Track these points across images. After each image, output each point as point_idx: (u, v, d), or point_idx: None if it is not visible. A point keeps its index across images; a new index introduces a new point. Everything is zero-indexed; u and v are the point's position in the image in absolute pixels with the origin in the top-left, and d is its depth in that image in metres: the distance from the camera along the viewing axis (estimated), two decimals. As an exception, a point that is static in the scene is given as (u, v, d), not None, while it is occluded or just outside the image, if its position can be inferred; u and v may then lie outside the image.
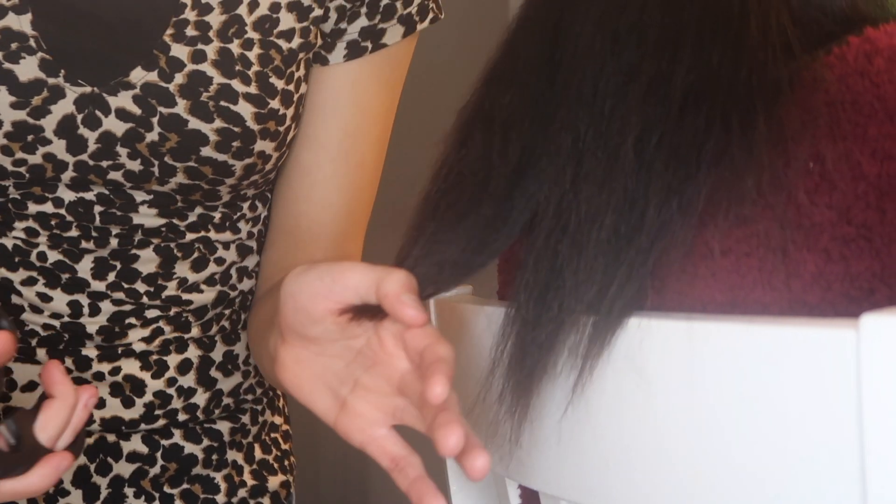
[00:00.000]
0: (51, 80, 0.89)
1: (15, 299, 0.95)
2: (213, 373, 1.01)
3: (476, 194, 0.72)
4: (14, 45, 0.89)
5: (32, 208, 0.92)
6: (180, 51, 0.91)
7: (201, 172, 0.92)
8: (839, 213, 0.61)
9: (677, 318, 0.62)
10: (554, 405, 0.67)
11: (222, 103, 0.91)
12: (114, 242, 0.94)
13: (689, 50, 0.65)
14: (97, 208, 0.93)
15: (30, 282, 0.94)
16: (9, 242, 0.94)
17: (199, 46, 0.91)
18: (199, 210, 0.96)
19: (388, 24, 0.99)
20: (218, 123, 0.91)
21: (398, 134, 1.21)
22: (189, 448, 1.00)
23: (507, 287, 0.83)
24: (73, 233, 0.94)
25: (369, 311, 0.70)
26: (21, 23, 0.89)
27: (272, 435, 1.08)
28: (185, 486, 1.00)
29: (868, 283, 0.60)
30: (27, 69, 0.89)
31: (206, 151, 0.91)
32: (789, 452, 0.56)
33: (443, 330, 0.84)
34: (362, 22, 0.98)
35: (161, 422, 0.99)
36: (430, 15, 1.01)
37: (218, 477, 1.02)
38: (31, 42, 0.89)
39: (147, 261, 0.96)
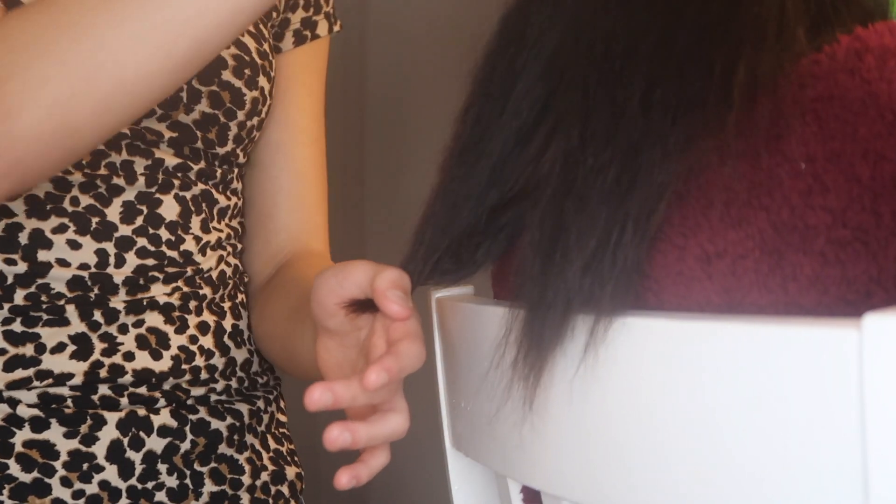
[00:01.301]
0: None
1: (42, 256, 0.97)
2: (227, 340, 1.06)
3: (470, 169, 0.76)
4: None
5: None
6: None
7: (221, 99, 1.03)
8: (834, 215, 0.60)
9: (678, 317, 0.62)
10: (561, 395, 0.67)
11: None
12: (141, 181, 1.01)
13: (692, 9, 0.67)
14: (124, 141, 1.00)
15: (61, 229, 0.98)
16: (40, 190, 0.98)
17: None
18: (204, 161, 1.05)
19: (318, 18, 1.17)
20: (233, 49, 1.04)
21: (402, 135, 1.22)
22: (214, 424, 1.04)
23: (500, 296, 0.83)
24: (103, 171, 0.99)
25: (364, 305, 0.77)
26: None
27: (281, 430, 1.14)
28: (213, 464, 1.03)
29: (865, 287, 0.59)
30: None
31: (226, 75, 1.03)
32: (791, 453, 0.55)
33: (443, 329, 0.84)
34: (301, 13, 1.15)
35: (187, 377, 1.02)
36: (339, 22, 1.19)
37: (241, 459, 1.06)
38: None
39: (169, 207, 1.02)
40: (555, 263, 0.66)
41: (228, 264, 1.09)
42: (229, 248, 1.09)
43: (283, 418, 1.15)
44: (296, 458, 1.13)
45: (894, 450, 0.51)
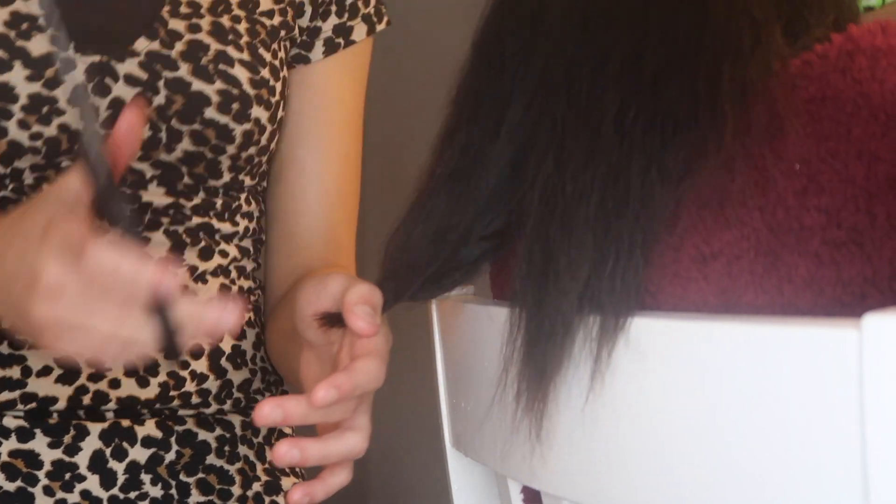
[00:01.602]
0: (62, 53, 0.94)
1: None
2: (224, 363, 1.04)
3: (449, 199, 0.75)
4: (24, 25, 0.95)
5: None
6: (177, 24, 0.99)
7: (205, 137, 0.98)
8: (829, 216, 0.60)
9: (678, 318, 0.62)
10: (568, 403, 0.67)
11: (221, 66, 0.99)
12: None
13: (656, 27, 0.67)
14: None
15: None
16: None
17: (194, 20, 1.00)
18: (202, 195, 1.01)
19: (354, 22, 1.09)
20: (218, 84, 0.98)
21: (402, 138, 1.21)
22: (202, 435, 1.02)
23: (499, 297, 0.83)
24: None
25: (334, 319, 0.76)
26: (29, 6, 0.96)
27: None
28: (200, 475, 1.02)
29: (860, 289, 0.59)
30: (38, 45, 0.95)
31: (210, 113, 0.98)
32: (791, 453, 0.55)
33: (444, 330, 0.84)
34: (334, 20, 1.08)
35: (176, 402, 1.00)
36: (385, 18, 1.12)
37: (232, 469, 1.04)
38: (41, 20, 0.96)
39: (158, 244, 1.00)
40: (549, 293, 0.66)
41: (235, 285, 1.06)
42: (235, 272, 1.06)
43: (287, 430, 1.12)
44: (298, 469, 1.11)
45: (894, 450, 0.51)
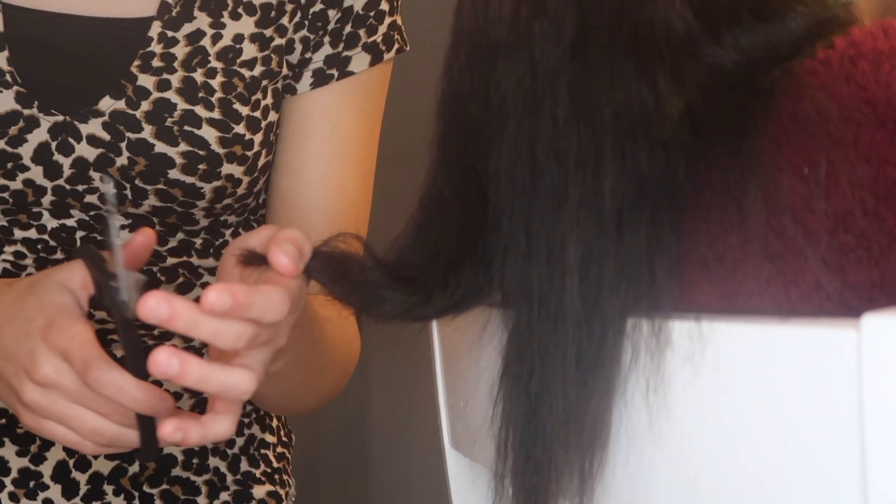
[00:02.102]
0: (26, 112, 0.95)
1: None
2: None
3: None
4: None
5: (19, 234, 0.98)
6: (146, 80, 0.97)
7: (171, 195, 0.97)
8: (836, 220, 0.60)
9: (678, 317, 0.62)
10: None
11: (186, 128, 0.97)
12: None
13: (611, 159, 0.63)
14: (79, 233, 0.98)
15: None
16: None
17: (165, 76, 0.98)
18: (180, 235, 1.00)
19: (352, 52, 1.04)
20: (183, 147, 0.96)
21: (399, 143, 1.19)
22: (168, 448, 1.02)
23: None
24: (59, 255, 0.98)
25: (255, 258, 0.73)
26: None
27: (262, 451, 1.09)
28: (164, 486, 1.02)
29: (867, 294, 0.59)
30: (3, 102, 0.95)
31: (174, 174, 0.96)
32: (790, 453, 0.55)
33: (442, 330, 0.84)
34: (326, 50, 1.03)
35: None
36: (396, 45, 1.06)
37: (199, 481, 1.04)
38: (7, 77, 0.96)
39: None
40: (534, 448, 0.66)
41: None
42: None
43: (270, 439, 1.09)
44: (277, 477, 1.09)
45: (893, 450, 0.51)
